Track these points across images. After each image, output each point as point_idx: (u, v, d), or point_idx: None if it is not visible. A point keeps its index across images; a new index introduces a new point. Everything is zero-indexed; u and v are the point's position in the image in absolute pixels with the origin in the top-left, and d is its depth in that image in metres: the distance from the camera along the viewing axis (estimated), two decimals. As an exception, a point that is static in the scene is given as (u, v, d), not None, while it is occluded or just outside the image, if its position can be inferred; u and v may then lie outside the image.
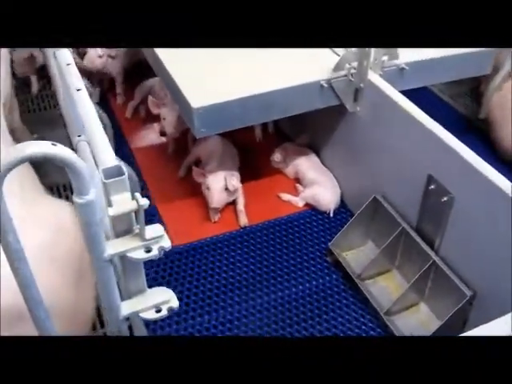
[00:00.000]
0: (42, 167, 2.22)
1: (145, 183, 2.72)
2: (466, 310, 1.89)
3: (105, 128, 2.82)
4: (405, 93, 2.25)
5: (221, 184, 2.43)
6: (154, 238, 1.30)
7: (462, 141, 2.99)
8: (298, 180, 2.73)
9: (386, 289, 2.22)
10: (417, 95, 3.27)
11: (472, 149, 2.89)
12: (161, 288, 1.50)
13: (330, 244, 2.32)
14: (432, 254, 2.01)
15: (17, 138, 2.83)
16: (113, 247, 1.28)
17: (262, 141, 2.99)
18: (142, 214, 1.26)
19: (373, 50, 2.14)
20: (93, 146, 1.40)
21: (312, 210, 2.60)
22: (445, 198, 1.90)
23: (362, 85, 2.20)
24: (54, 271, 1.62)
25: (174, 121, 2.64)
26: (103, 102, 3.06)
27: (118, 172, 1.25)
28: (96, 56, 3.07)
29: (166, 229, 2.41)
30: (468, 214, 1.85)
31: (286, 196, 2.64)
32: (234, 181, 2.44)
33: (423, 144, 1.98)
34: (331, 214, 2.54)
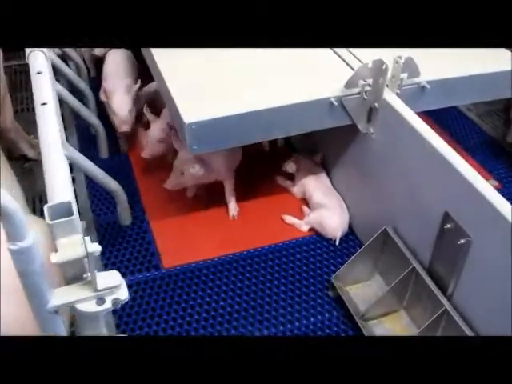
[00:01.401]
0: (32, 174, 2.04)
1: (140, 196, 2.54)
2: (479, 369, 1.66)
3: (97, 135, 2.68)
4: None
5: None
6: (107, 289, 1.11)
7: (490, 166, 2.80)
8: (305, 201, 2.52)
9: (391, 332, 2.00)
10: (440, 112, 3.06)
11: (500, 177, 2.71)
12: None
13: (332, 277, 2.11)
14: (444, 300, 1.78)
15: (9, 139, 2.67)
16: (58, 297, 1.09)
17: (269, 155, 2.78)
18: (92, 262, 1.07)
19: (390, 65, 1.92)
20: (46, 174, 1.22)
21: (317, 235, 2.38)
22: (462, 241, 1.67)
23: (376, 104, 1.97)
24: (17, 300, 1.45)
25: (154, 143, 2.45)
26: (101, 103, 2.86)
27: (67, 211, 1.06)
28: (127, 112, 2.56)
29: (156, 248, 2.28)
30: (487, 262, 1.62)
31: (289, 219, 2.43)
32: (196, 168, 2.25)
33: (441, 176, 1.75)
34: (337, 242, 2.32)
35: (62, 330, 1.16)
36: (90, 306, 1.10)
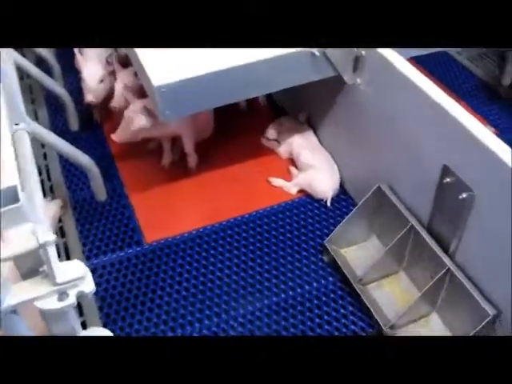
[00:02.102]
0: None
1: (117, 170, 2.37)
2: (488, 331, 1.56)
3: (64, 106, 2.49)
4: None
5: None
6: (69, 282, 0.97)
7: (485, 112, 2.65)
8: (292, 161, 2.37)
9: (391, 295, 1.89)
10: (428, 57, 2.90)
11: (497, 123, 2.57)
12: (98, 329, 1.19)
13: (326, 240, 1.98)
14: (446, 259, 1.67)
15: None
16: (14, 295, 0.95)
17: (252, 115, 2.61)
18: (48, 253, 0.92)
19: (376, 8, 1.74)
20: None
21: (307, 197, 2.25)
22: (463, 195, 1.54)
23: (362, 52, 1.81)
24: None
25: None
26: (73, 74, 2.66)
27: (12, 197, 0.91)
28: (96, 81, 2.32)
29: (137, 223, 2.14)
30: (492, 216, 1.49)
31: (277, 181, 2.29)
32: (142, 120, 2.09)
33: (437, 126, 1.60)
34: (329, 203, 2.19)
35: (24, 329, 1.02)
36: (51, 303, 0.96)
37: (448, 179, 1.59)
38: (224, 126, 2.48)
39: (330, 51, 1.80)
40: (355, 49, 1.81)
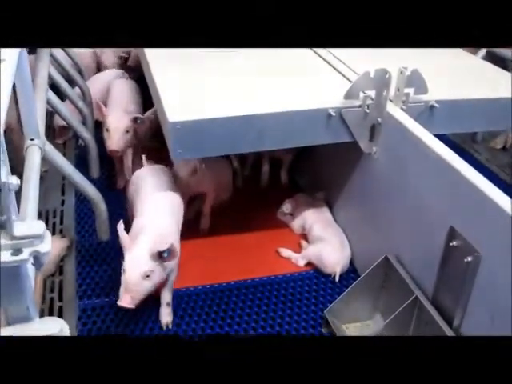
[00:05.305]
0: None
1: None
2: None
3: (87, 151, 2.56)
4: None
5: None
6: (26, 238, 0.93)
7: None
8: (305, 237, 2.32)
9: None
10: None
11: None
12: (51, 318, 1.12)
13: (326, 311, 1.87)
14: (450, 333, 1.53)
15: (11, 139, 2.54)
16: (-35, 241, 0.92)
17: (273, 190, 2.62)
18: (6, 198, 0.90)
19: (394, 77, 1.79)
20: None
21: (315, 271, 2.16)
22: (469, 258, 1.45)
23: (379, 120, 1.83)
24: None
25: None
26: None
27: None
28: (123, 132, 2.30)
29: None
30: (499, 282, 1.38)
31: (285, 252, 2.23)
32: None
33: (449, 188, 1.55)
34: (337, 278, 2.09)
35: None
36: (3, 256, 0.92)
37: (454, 242, 1.51)
38: (244, 197, 2.50)
39: (346, 115, 1.83)
40: (372, 116, 1.83)
